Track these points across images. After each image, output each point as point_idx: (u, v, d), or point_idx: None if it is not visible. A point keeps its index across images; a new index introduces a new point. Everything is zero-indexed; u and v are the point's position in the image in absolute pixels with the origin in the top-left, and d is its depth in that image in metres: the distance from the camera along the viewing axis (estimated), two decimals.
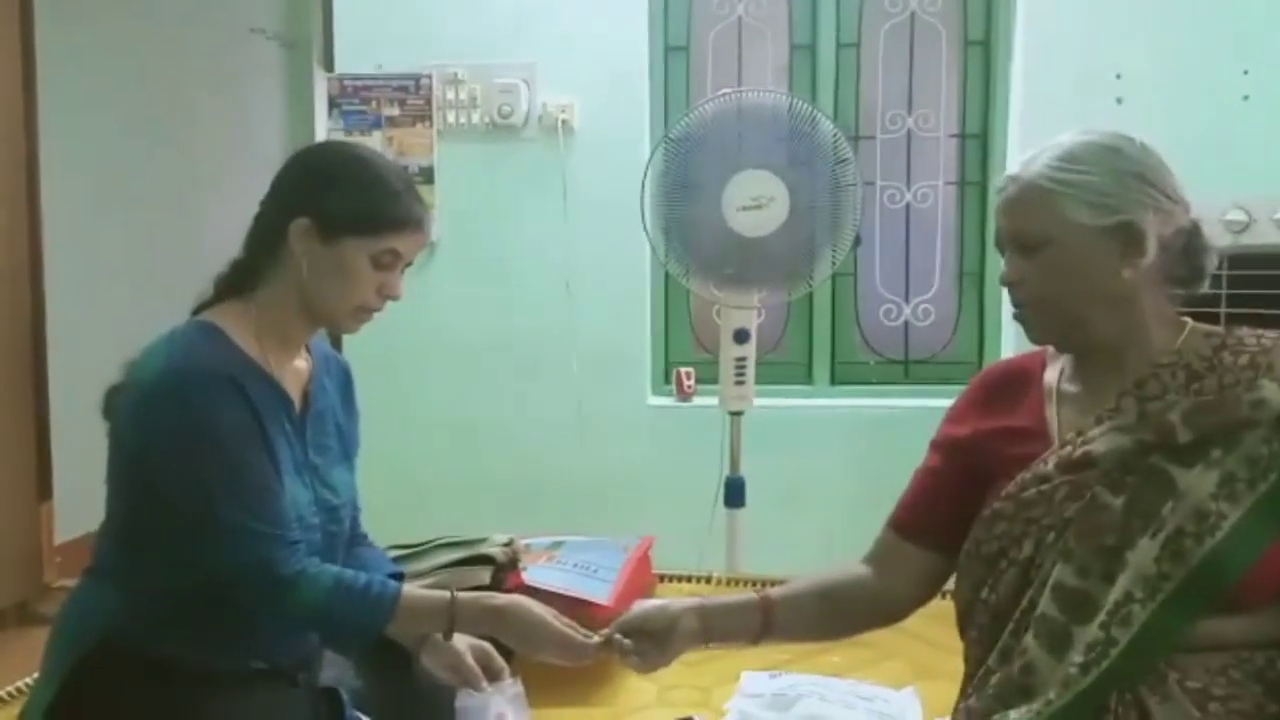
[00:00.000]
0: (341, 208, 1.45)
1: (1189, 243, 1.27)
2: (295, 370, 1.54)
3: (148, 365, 1.40)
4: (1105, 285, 1.24)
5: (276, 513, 1.37)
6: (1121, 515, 1.19)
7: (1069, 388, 1.33)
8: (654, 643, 1.36)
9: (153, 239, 3.39)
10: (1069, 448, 1.25)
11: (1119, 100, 2.97)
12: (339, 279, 1.45)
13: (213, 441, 1.36)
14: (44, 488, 2.94)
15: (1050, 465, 1.25)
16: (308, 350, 1.58)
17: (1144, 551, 1.17)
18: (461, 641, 1.47)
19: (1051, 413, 1.32)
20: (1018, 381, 1.38)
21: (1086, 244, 1.23)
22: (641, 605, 1.41)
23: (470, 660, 1.47)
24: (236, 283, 1.50)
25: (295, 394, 1.51)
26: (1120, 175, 1.23)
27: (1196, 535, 1.16)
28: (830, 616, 1.42)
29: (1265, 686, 1.15)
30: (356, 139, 3.12)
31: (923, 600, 1.41)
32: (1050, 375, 1.35)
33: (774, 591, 1.40)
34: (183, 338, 1.43)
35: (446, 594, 1.43)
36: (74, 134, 3.08)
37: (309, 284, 1.45)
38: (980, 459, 1.35)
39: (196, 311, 1.50)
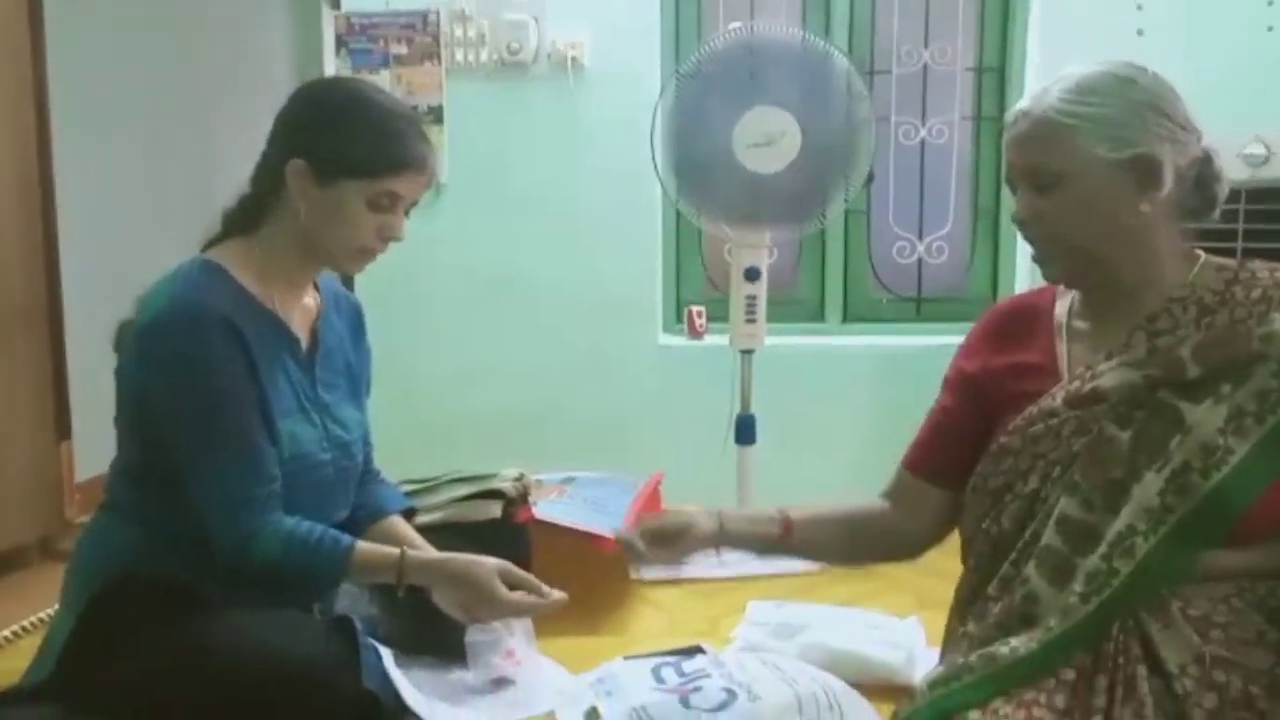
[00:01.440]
0: (337, 149, 1.43)
1: (1201, 172, 1.25)
2: (303, 308, 1.54)
3: (150, 304, 1.42)
4: (1123, 220, 1.22)
5: (250, 466, 1.39)
6: (1128, 449, 1.19)
7: (1079, 324, 1.32)
8: (668, 541, 1.38)
9: (165, 175, 3.38)
10: (1077, 382, 1.25)
11: (1140, 32, 2.90)
12: (336, 221, 1.44)
13: (202, 385, 1.38)
14: (62, 426, 2.97)
15: (1058, 400, 1.25)
16: (316, 288, 1.58)
17: (1149, 485, 1.17)
18: (488, 568, 1.48)
19: (1062, 348, 1.31)
20: (1028, 317, 1.37)
21: (1103, 178, 1.21)
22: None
23: (505, 591, 1.47)
24: (242, 220, 1.50)
25: (303, 331, 1.52)
26: (1135, 106, 1.21)
27: (1203, 470, 1.16)
28: (847, 543, 1.44)
29: (1266, 615, 1.16)
30: (365, 77, 3.09)
31: (939, 537, 1.42)
32: (1060, 310, 1.35)
33: (794, 510, 1.42)
34: (186, 277, 1.43)
35: (396, 551, 1.47)
36: (81, 73, 3.06)
37: (307, 225, 1.45)
38: (991, 394, 1.35)
39: (205, 248, 1.51)
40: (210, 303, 1.39)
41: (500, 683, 1.48)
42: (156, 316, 1.39)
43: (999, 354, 1.36)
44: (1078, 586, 1.17)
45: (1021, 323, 1.37)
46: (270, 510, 1.41)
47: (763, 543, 1.41)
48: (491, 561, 1.47)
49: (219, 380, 1.38)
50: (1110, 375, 1.22)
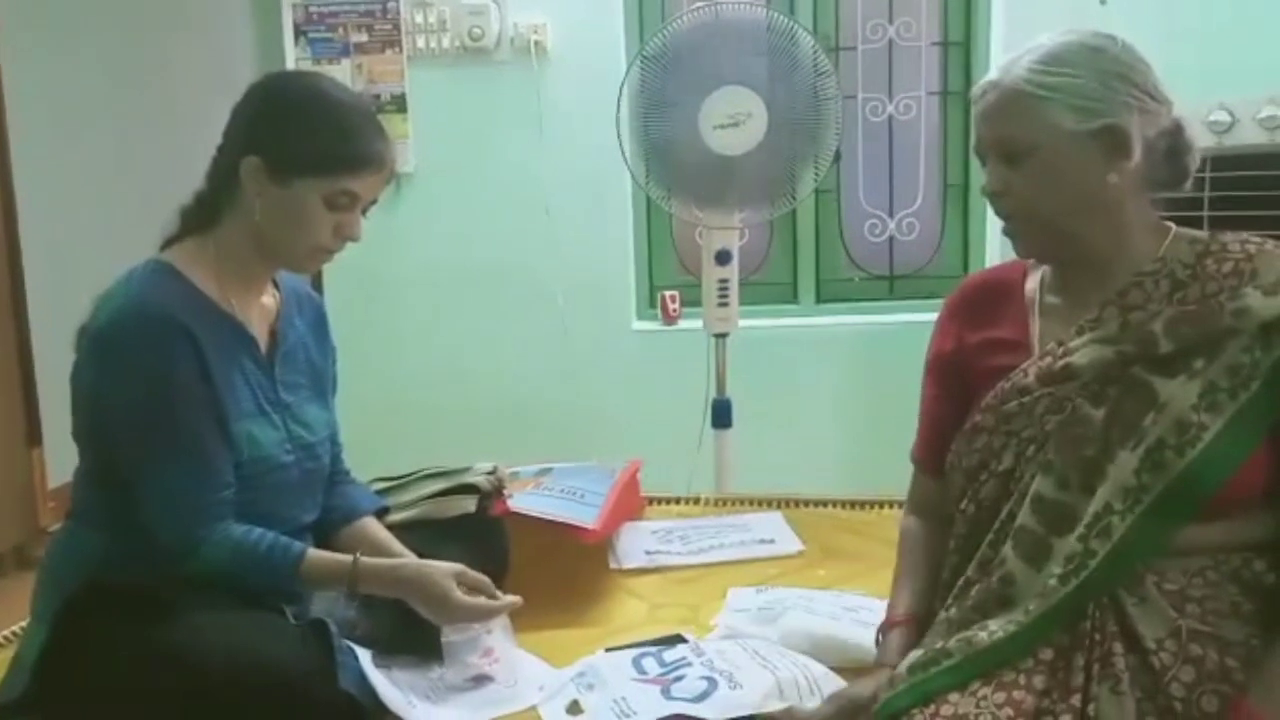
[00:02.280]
0: (292, 147, 1.40)
1: (1172, 143, 1.24)
2: (261, 307, 1.52)
3: (102, 307, 1.40)
4: (1091, 192, 1.21)
5: (200, 472, 1.38)
6: (1102, 427, 1.19)
7: (1051, 298, 1.31)
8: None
9: (128, 176, 3.33)
10: (1049, 359, 1.24)
11: (1102, 1, 2.91)
12: (291, 220, 1.42)
13: (153, 390, 1.36)
14: (33, 433, 2.95)
15: (1030, 377, 1.24)
16: (276, 286, 1.56)
17: (1124, 463, 1.16)
18: (442, 572, 1.47)
19: (1034, 324, 1.30)
20: (998, 292, 1.36)
21: (1071, 149, 1.20)
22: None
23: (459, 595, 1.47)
24: (199, 217, 1.48)
25: (261, 332, 1.50)
26: (1104, 76, 1.20)
27: (1177, 447, 1.15)
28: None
29: (1240, 586, 1.16)
30: (325, 68, 3.06)
31: None
32: (1031, 285, 1.34)
33: (906, 613, 1.35)
34: (139, 279, 1.41)
35: (349, 558, 1.45)
36: (38, 77, 3.01)
37: (262, 224, 1.43)
38: (967, 371, 1.34)
39: (163, 247, 1.48)
40: (163, 306, 1.37)
41: (480, 680, 1.48)
42: (109, 320, 1.37)
43: (972, 330, 1.36)
44: (1055, 569, 1.17)
45: (993, 297, 1.36)
46: (219, 518, 1.39)
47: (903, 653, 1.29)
48: (445, 566, 1.46)
49: (171, 385, 1.36)
50: (1083, 352, 1.21)
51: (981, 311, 1.36)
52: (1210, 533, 1.17)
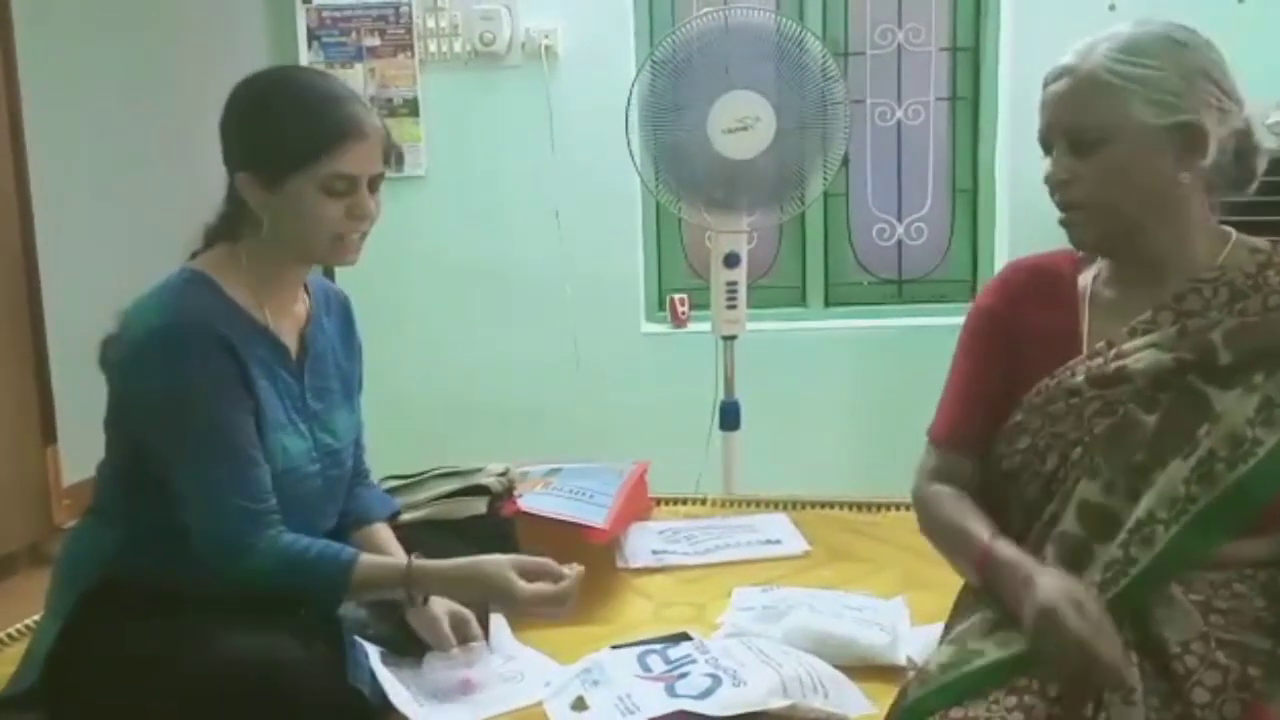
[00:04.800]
0: (268, 148, 1.37)
1: (1240, 144, 1.21)
2: (293, 315, 1.50)
3: (140, 319, 1.38)
4: (1160, 189, 1.18)
5: (246, 482, 1.36)
6: (1153, 434, 1.16)
7: (1104, 292, 1.27)
8: None
9: (143, 178, 3.36)
10: (1099, 359, 1.21)
11: (1111, 7, 2.92)
12: (300, 219, 1.39)
13: (197, 403, 1.35)
14: (48, 431, 2.97)
15: (1080, 378, 1.21)
16: (306, 290, 1.54)
17: (1174, 472, 1.14)
18: (440, 606, 1.47)
19: (1084, 317, 1.26)
20: (1050, 279, 1.31)
21: (1146, 144, 1.16)
22: None
23: (445, 627, 1.48)
24: (224, 230, 1.47)
25: (292, 340, 1.49)
26: (1187, 71, 1.16)
27: (1229, 460, 1.13)
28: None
29: (1268, 600, 1.15)
30: (338, 72, 3.08)
31: None
32: (1085, 279, 1.29)
33: (993, 537, 1.23)
34: (175, 291, 1.40)
35: (402, 562, 1.40)
36: (55, 81, 3.04)
37: (277, 232, 1.41)
38: (1017, 340, 1.28)
39: (192, 257, 1.47)
40: (203, 317, 1.36)
41: (466, 685, 1.48)
42: (150, 331, 1.36)
43: (1029, 305, 1.29)
44: (1096, 576, 1.14)
45: (1044, 283, 1.31)
46: (269, 525, 1.37)
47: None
48: (502, 558, 1.41)
49: (216, 396, 1.35)
50: (1138, 356, 1.18)
51: (1039, 293, 1.30)
52: (1242, 547, 1.15)
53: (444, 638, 1.49)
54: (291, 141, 1.36)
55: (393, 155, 1.50)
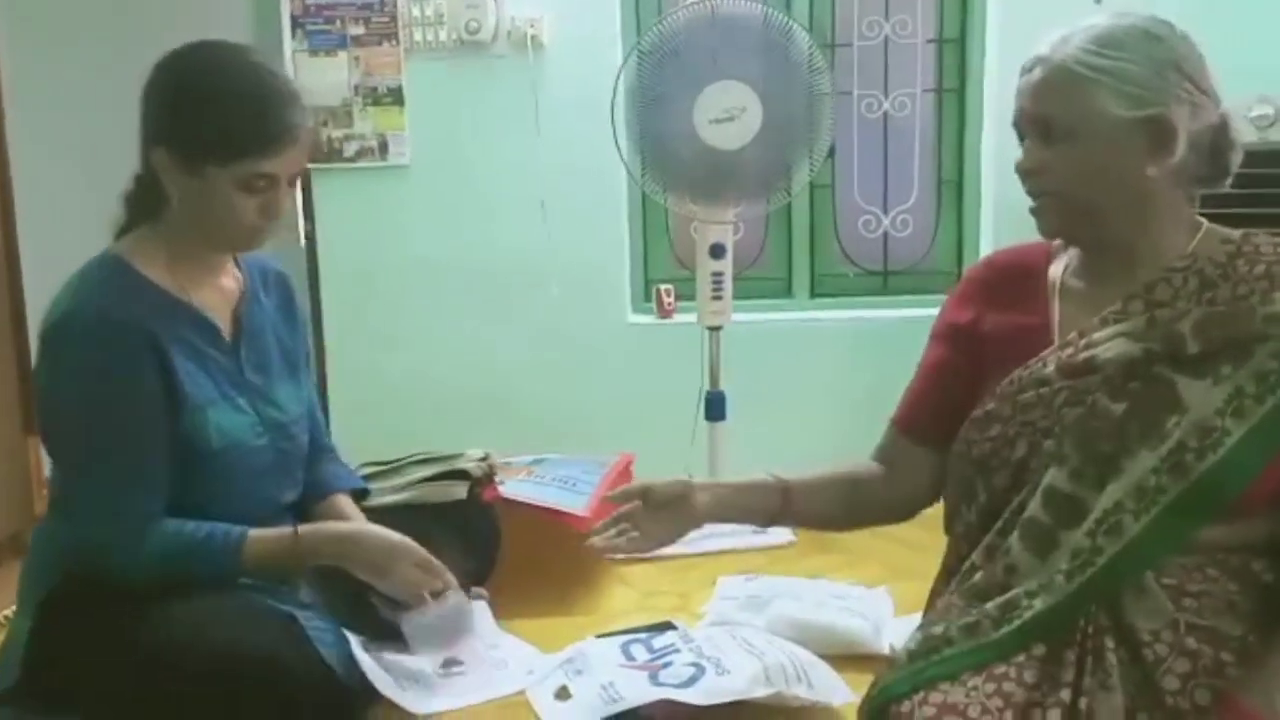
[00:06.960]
0: (195, 134, 1.33)
1: (1215, 139, 1.21)
2: (221, 291, 1.47)
3: (57, 306, 1.36)
4: (1128, 181, 1.18)
5: (139, 476, 1.34)
6: (1120, 423, 1.16)
7: (1074, 283, 1.28)
8: (659, 516, 1.31)
9: (121, 166, 3.33)
10: (1070, 349, 1.21)
11: (1097, 0, 2.91)
12: (212, 208, 1.35)
13: (93, 394, 1.33)
14: (29, 421, 2.95)
15: (1050, 368, 1.21)
16: (238, 266, 1.51)
17: (1142, 462, 1.14)
18: (393, 538, 1.46)
19: (1054, 309, 1.27)
20: (1022, 273, 1.33)
21: (1114, 136, 1.17)
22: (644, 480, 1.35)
23: (413, 574, 1.47)
24: (141, 204, 1.42)
25: (223, 316, 1.46)
26: (1158, 65, 1.16)
27: (1198, 451, 1.13)
28: (845, 507, 1.40)
29: (1239, 584, 1.15)
30: (322, 60, 3.07)
31: (932, 499, 1.38)
32: (1055, 270, 1.31)
33: (790, 477, 1.38)
34: (89, 279, 1.37)
35: (289, 530, 1.41)
36: (35, 71, 3.02)
37: (188, 212, 1.37)
38: (983, 347, 1.31)
39: (117, 235, 1.44)
40: (114, 306, 1.33)
41: (449, 665, 1.48)
42: (60, 320, 1.34)
43: (994, 309, 1.32)
44: (1063, 564, 1.15)
45: (1016, 278, 1.33)
46: (150, 519, 1.36)
47: (763, 515, 1.35)
48: (396, 535, 1.44)
49: (117, 388, 1.33)
50: (1107, 346, 1.18)
51: (1005, 292, 1.33)
52: (1214, 533, 1.16)
53: (412, 584, 1.46)
54: (223, 134, 1.32)
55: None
